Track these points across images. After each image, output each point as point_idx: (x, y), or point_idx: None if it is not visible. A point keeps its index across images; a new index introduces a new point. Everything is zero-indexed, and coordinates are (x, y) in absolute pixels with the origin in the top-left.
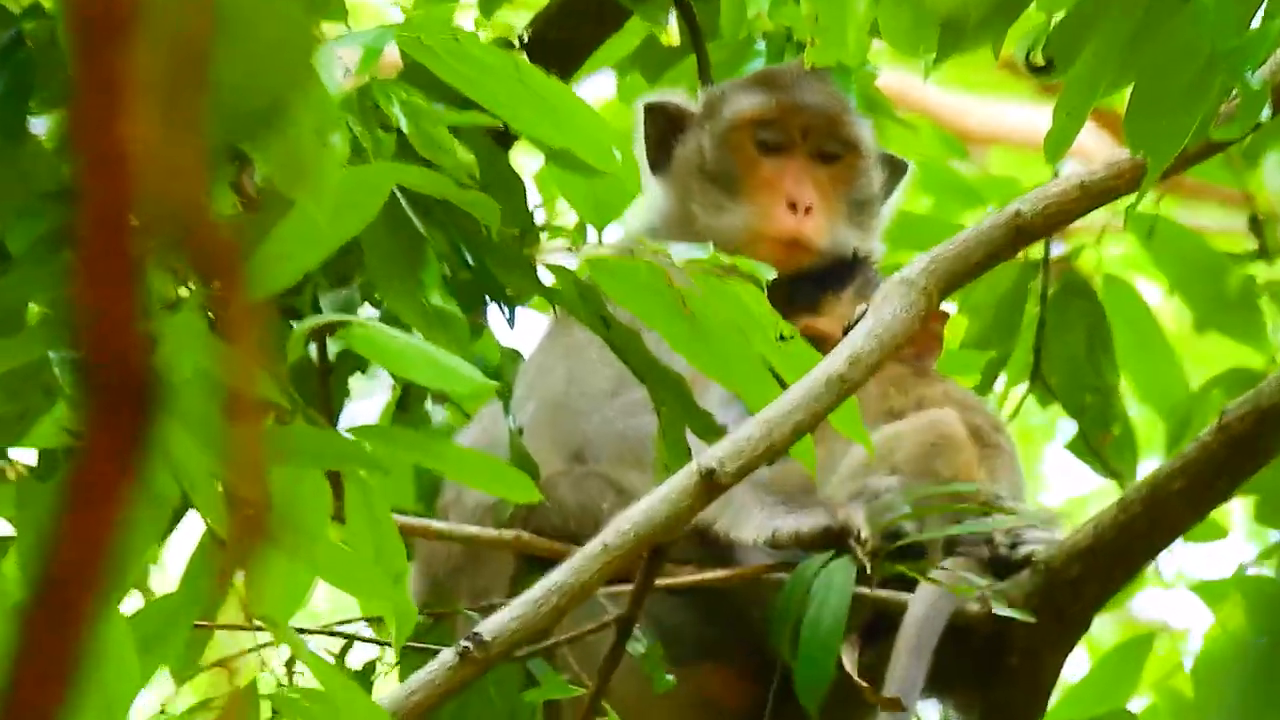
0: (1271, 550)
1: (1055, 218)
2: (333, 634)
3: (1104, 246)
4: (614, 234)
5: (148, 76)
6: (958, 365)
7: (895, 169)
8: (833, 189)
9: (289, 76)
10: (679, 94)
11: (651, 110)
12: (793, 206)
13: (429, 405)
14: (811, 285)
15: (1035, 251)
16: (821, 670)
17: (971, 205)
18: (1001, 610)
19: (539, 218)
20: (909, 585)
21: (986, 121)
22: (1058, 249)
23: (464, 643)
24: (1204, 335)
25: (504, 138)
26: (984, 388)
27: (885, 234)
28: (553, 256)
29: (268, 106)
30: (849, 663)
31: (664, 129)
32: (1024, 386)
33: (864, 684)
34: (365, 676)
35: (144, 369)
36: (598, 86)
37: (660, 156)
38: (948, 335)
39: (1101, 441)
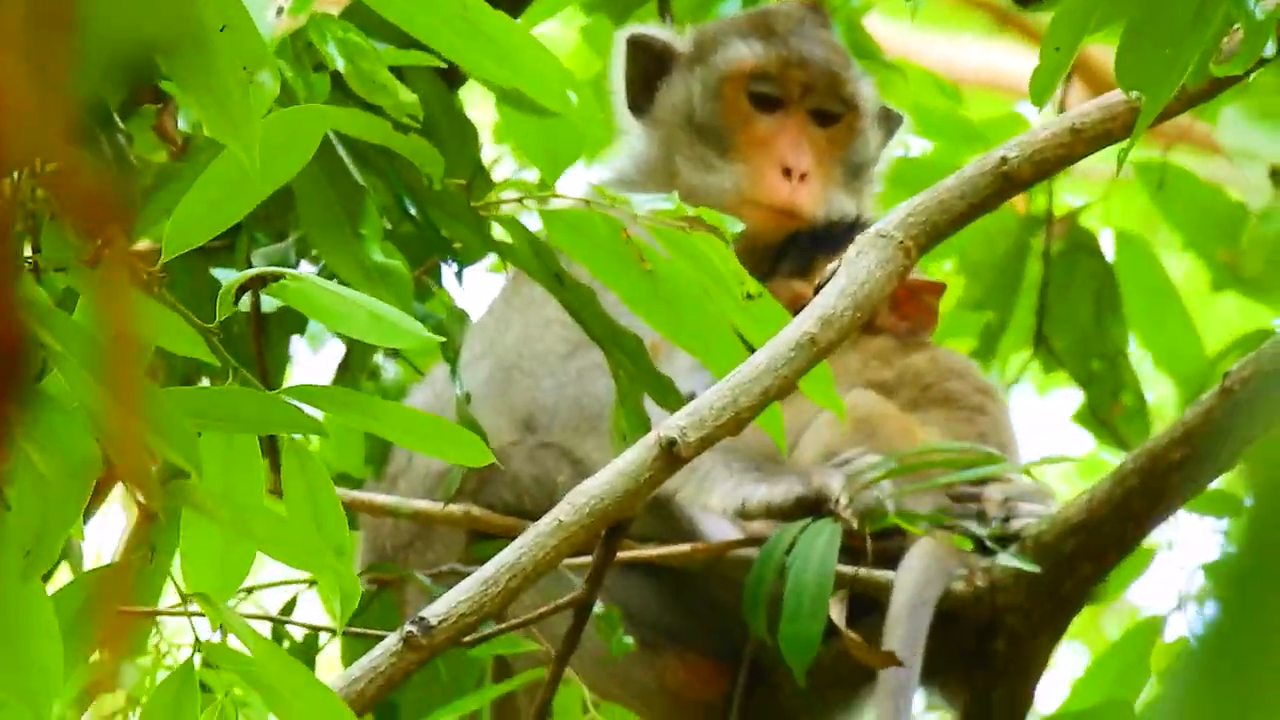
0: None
1: (1045, 164)
2: (270, 619)
3: (1113, 200)
4: (579, 181)
5: (10, 23)
6: (953, 328)
7: (890, 122)
8: (829, 152)
9: (166, 20)
10: (665, 30)
11: (635, 45)
12: (787, 172)
13: (380, 360)
14: (802, 249)
15: (1038, 206)
16: (809, 634)
17: (975, 149)
18: (1005, 560)
19: (504, 172)
20: (890, 564)
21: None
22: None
23: (408, 627)
24: (1221, 296)
25: (452, 77)
26: (983, 353)
27: (884, 180)
28: (505, 208)
29: (143, 52)
30: (839, 618)
31: (647, 67)
32: (1027, 353)
33: (857, 640)
34: (307, 650)
35: (18, 333)
36: (558, 30)
37: (641, 97)
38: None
39: (1110, 411)
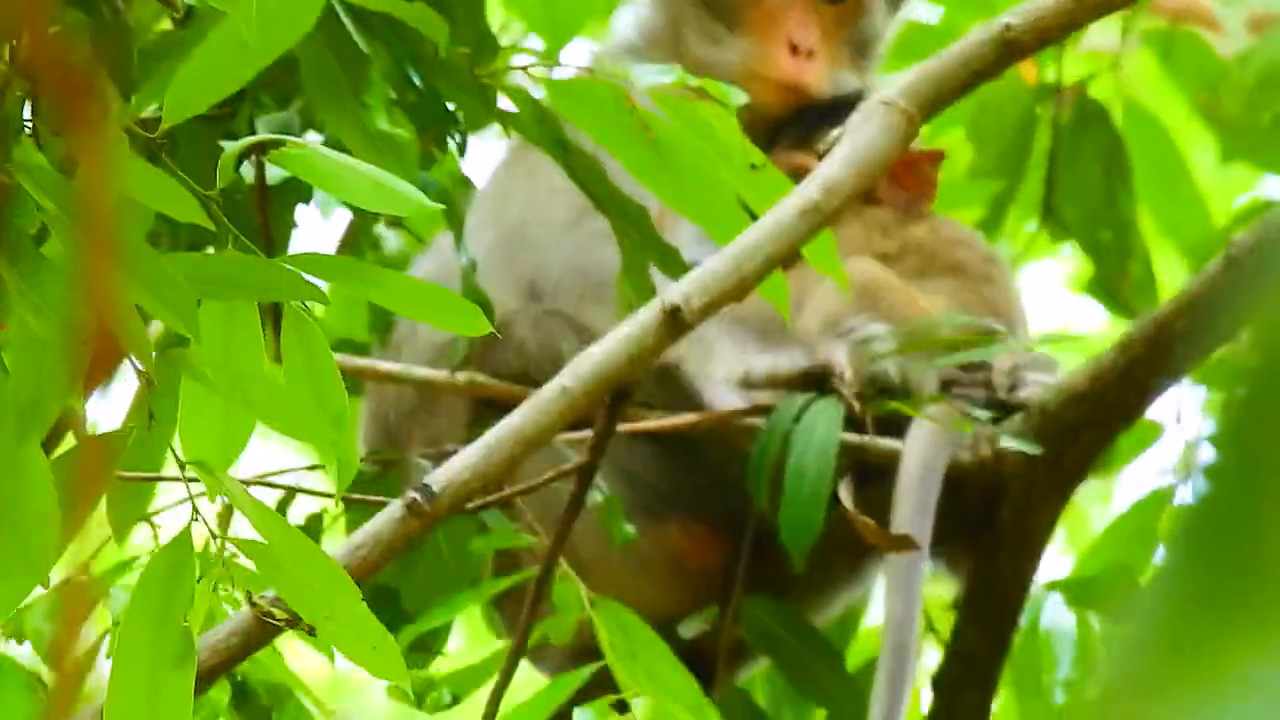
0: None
1: (1049, 31)
2: (270, 485)
3: (1123, 70)
4: (584, 49)
5: None
6: (961, 198)
7: None
8: (837, 30)
9: None
10: None
11: None
12: (794, 49)
13: (381, 230)
14: (805, 122)
15: (1048, 75)
16: (809, 519)
17: (986, 14)
18: (1008, 442)
19: (512, 38)
20: (896, 432)
21: None
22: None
23: (411, 494)
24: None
25: None
26: (991, 222)
27: (892, 48)
28: (510, 76)
29: None
30: (848, 501)
31: None
32: (1035, 224)
33: (868, 523)
34: (311, 532)
35: None
36: None
37: None
38: (944, 171)
39: (1120, 281)
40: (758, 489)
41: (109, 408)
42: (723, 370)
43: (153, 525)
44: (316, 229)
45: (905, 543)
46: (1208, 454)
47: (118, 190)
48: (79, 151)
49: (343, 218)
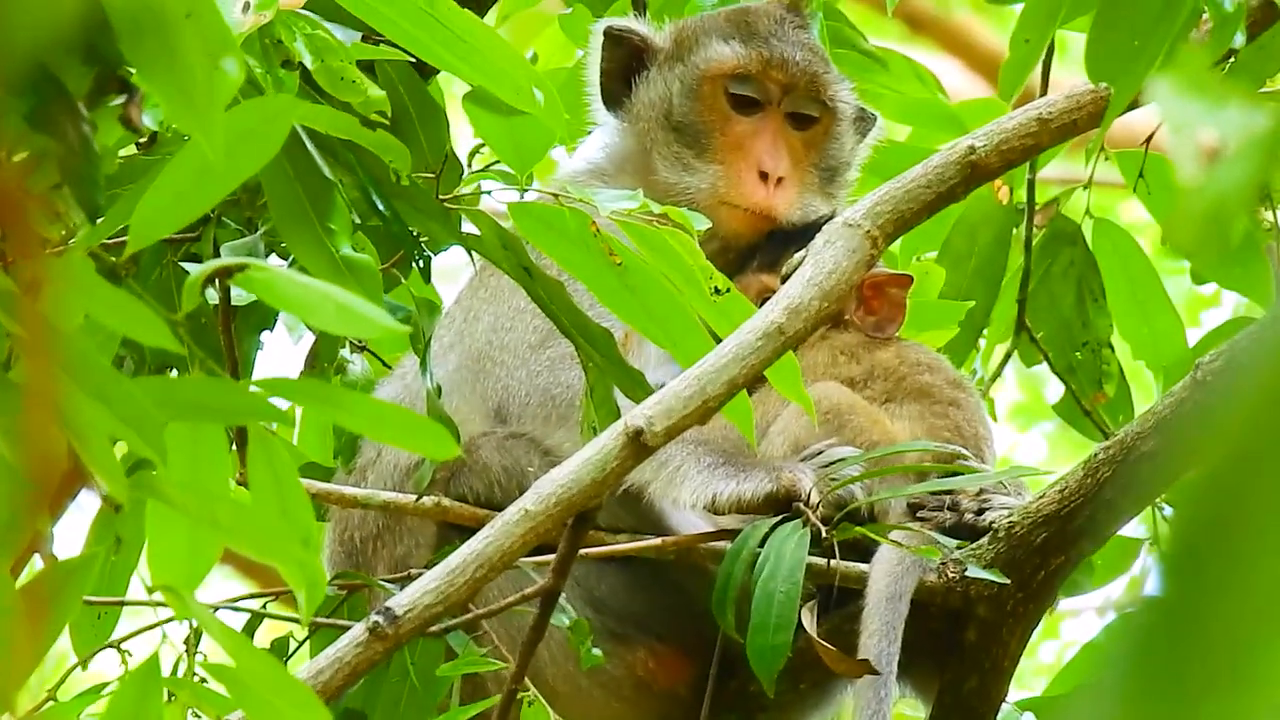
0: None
1: (1012, 153)
2: (237, 609)
3: (1093, 190)
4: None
5: None
6: (935, 318)
7: (864, 123)
8: (805, 155)
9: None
10: (643, 23)
11: (612, 37)
12: (764, 175)
13: (347, 355)
14: (774, 245)
15: (1020, 195)
16: (776, 645)
17: (954, 133)
18: (975, 572)
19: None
20: (862, 555)
21: None
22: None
23: (374, 617)
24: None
25: (425, 66)
26: (964, 342)
27: (864, 165)
28: (473, 202)
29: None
30: (810, 627)
31: (624, 60)
32: (1009, 343)
33: (830, 649)
34: (277, 654)
35: None
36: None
37: (617, 90)
38: (916, 292)
39: (1094, 401)
40: (723, 614)
41: (65, 528)
42: (688, 495)
43: (121, 652)
44: (281, 351)
45: (867, 667)
46: (1153, 576)
47: (77, 316)
48: (34, 279)
49: (306, 340)
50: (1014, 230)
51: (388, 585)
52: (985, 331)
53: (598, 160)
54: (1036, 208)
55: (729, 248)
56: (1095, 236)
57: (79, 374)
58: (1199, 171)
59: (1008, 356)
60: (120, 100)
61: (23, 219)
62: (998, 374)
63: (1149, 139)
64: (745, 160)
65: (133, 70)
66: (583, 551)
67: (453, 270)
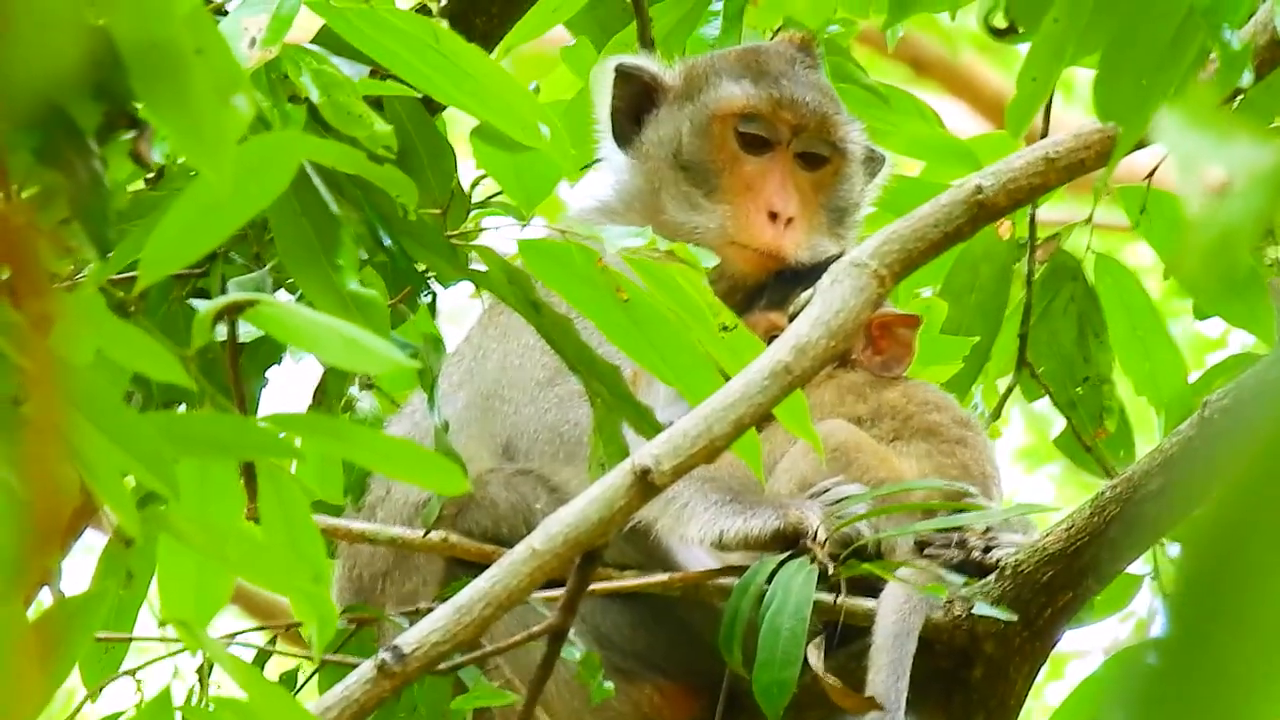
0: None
1: (1019, 192)
2: (245, 645)
3: (1093, 226)
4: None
5: None
6: (938, 353)
7: (873, 164)
8: (814, 196)
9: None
10: (654, 61)
11: (624, 75)
12: (773, 216)
13: (356, 392)
14: (782, 283)
15: (1021, 231)
16: (783, 680)
17: (966, 168)
18: (982, 609)
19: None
20: (869, 592)
21: None
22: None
23: (382, 655)
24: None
25: (432, 101)
26: (967, 378)
27: (875, 201)
28: (480, 238)
29: (146, 49)
30: (816, 663)
31: (634, 98)
32: (1010, 378)
33: (836, 685)
34: (286, 687)
35: None
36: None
37: (627, 127)
38: (921, 334)
39: (1095, 437)
40: (730, 649)
41: (72, 563)
42: (695, 531)
43: (136, 681)
44: (286, 387)
45: (873, 704)
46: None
47: (89, 352)
48: (44, 315)
49: (313, 373)
50: (1015, 265)
51: (397, 620)
52: (986, 367)
53: (606, 198)
54: (1038, 243)
55: (737, 288)
56: (1096, 272)
57: (90, 409)
58: (1205, 206)
59: (1009, 391)
60: (130, 135)
61: (32, 255)
62: (999, 409)
63: (1151, 174)
64: (754, 200)
65: (141, 106)
66: (590, 587)
67: (456, 312)
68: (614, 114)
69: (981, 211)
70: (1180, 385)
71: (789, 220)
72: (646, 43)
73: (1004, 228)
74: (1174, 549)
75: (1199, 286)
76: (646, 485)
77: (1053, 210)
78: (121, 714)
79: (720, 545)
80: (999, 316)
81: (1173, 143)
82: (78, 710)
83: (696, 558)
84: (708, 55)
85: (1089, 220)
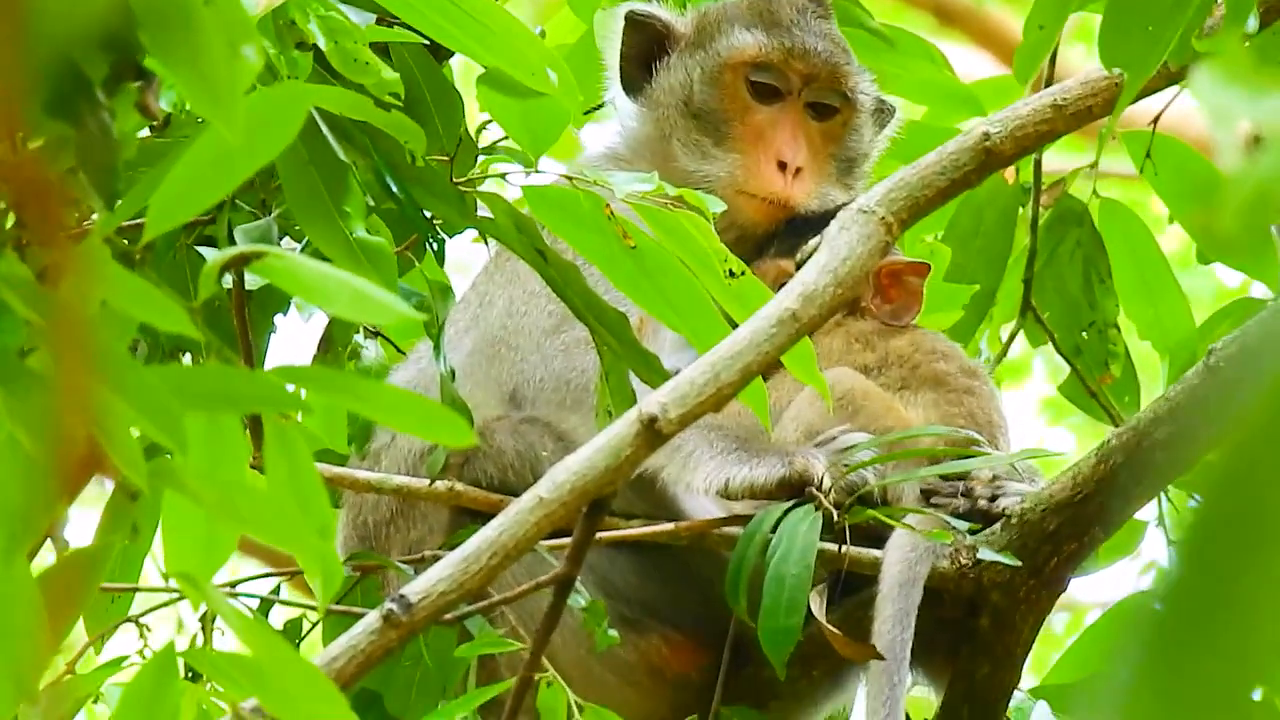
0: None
1: (1027, 140)
2: (250, 595)
3: (1101, 175)
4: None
5: None
6: (940, 300)
7: (883, 115)
8: (824, 146)
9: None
10: (664, 8)
11: (635, 23)
12: (782, 165)
13: (361, 340)
14: (792, 230)
15: (1026, 175)
16: (788, 627)
17: (970, 113)
18: (987, 554)
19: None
20: (875, 541)
21: None
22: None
23: (388, 605)
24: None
25: (439, 49)
26: (970, 324)
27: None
28: (488, 184)
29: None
30: (819, 612)
31: (645, 45)
32: (1014, 324)
33: (838, 634)
34: (290, 637)
35: None
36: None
37: (638, 75)
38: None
39: (1100, 383)
40: (735, 597)
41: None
42: (701, 480)
43: (140, 627)
44: (292, 333)
45: (874, 652)
46: (1171, 564)
47: (97, 302)
48: (56, 265)
49: (319, 321)
50: (1020, 210)
51: (403, 567)
52: (991, 312)
53: (614, 144)
54: (1043, 188)
55: (746, 237)
56: (1102, 217)
57: (98, 362)
58: (1240, 160)
59: (1013, 336)
60: (136, 86)
61: (47, 206)
62: (1003, 354)
63: (1156, 120)
64: (764, 150)
65: (150, 57)
66: (596, 537)
67: (459, 263)
68: (624, 61)
69: (989, 159)
70: (1186, 331)
71: (798, 170)
72: None
73: (1008, 172)
74: (1191, 500)
75: (1233, 243)
76: (653, 434)
77: (1058, 156)
78: (125, 658)
79: (726, 494)
80: (1003, 262)
81: (1206, 97)
82: (83, 652)
83: (703, 506)
84: (720, 3)
85: (1094, 165)
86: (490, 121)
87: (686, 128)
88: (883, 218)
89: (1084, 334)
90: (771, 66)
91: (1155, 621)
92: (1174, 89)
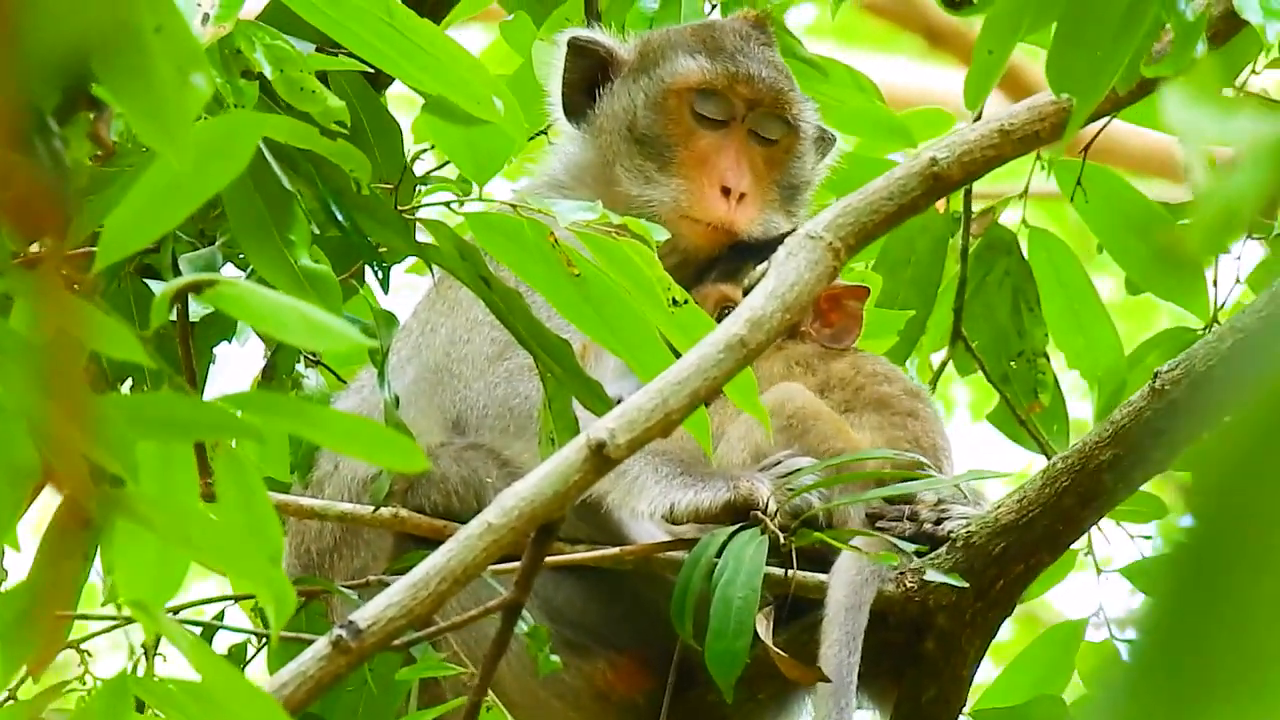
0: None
1: (974, 165)
2: (197, 623)
3: (1028, 200)
4: (508, 185)
5: None
6: (874, 327)
7: (824, 143)
8: (767, 172)
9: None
10: (607, 35)
11: (578, 49)
12: (726, 191)
13: (302, 369)
14: (734, 255)
15: (956, 204)
16: (735, 650)
17: (901, 143)
18: (933, 577)
19: (423, 167)
20: (821, 565)
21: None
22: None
23: (337, 631)
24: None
25: (378, 79)
26: (902, 352)
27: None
28: (431, 211)
29: (79, 56)
30: (765, 635)
31: (589, 71)
32: (945, 352)
33: (784, 656)
34: (235, 661)
35: None
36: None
37: (580, 101)
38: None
39: (1029, 411)
40: (681, 622)
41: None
42: (646, 505)
43: (81, 653)
44: (233, 362)
45: (821, 675)
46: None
47: (40, 331)
48: (42, 289)
49: (256, 348)
50: (950, 239)
51: (347, 592)
52: (921, 340)
53: (554, 171)
54: (973, 216)
55: (688, 262)
56: (1031, 246)
57: (52, 389)
58: (1208, 180)
59: (943, 366)
60: (90, 115)
61: (50, 224)
62: (934, 383)
63: (1087, 147)
64: (708, 175)
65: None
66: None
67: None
68: (565, 87)
69: (937, 184)
70: (1114, 359)
71: (741, 195)
72: (594, 15)
73: (939, 201)
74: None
75: (1201, 261)
76: (602, 459)
77: (988, 184)
78: (68, 682)
79: (671, 518)
80: (934, 290)
81: (1176, 117)
82: (25, 676)
83: (648, 531)
84: (663, 30)
85: (1024, 194)
86: (426, 150)
87: (630, 153)
88: (830, 243)
89: (1012, 363)
90: (716, 92)
91: (1147, 636)
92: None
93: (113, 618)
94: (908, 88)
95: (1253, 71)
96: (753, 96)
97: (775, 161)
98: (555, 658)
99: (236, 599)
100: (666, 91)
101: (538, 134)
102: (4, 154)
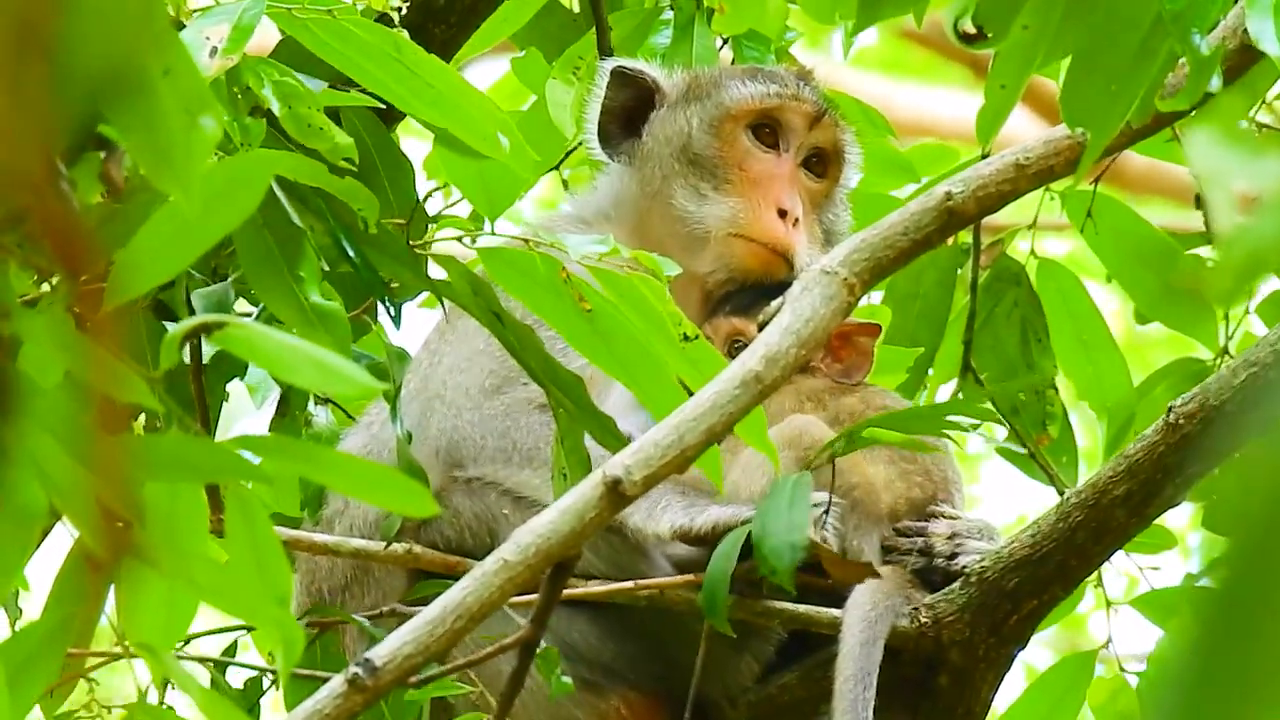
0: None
1: (989, 199)
2: (208, 660)
3: (1039, 231)
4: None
5: None
6: (884, 364)
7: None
8: (813, 209)
9: (136, 38)
10: (653, 65)
11: (622, 78)
12: (782, 214)
13: (311, 407)
14: (745, 290)
15: (965, 236)
16: (792, 540)
17: (903, 180)
18: (947, 612)
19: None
20: (835, 601)
21: (914, 109)
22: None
23: (353, 669)
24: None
25: (389, 114)
26: (912, 386)
27: None
28: (443, 246)
29: (116, 71)
30: (817, 537)
31: (629, 101)
32: (954, 385)
33: (832, 553)
34: (250, 696)
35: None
36: (489, 69)
37: (621, 132)
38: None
39: (1038, 444)
40: (713, 608)
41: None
42: (667, 524)
43: (89, 680)
44: (244, 399)
45: (869, 570)
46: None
47: (49, 373)
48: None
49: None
50: (959, 271)
51: (366, 624)
52: (930, 373)
53: (598, 203)
54: (981, 249)
55: (735, 281)
56: (1039, 277)
57: (59, 431)
58: (1234, 222)
59: (953, 398)
60: (101, 156)
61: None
62: None
63: (1098, 178)
64: (764, 196)
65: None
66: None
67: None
68: (604, 115)
69: (952, 219)
70: (1123, 390)
71: (796, 221)
72: (605, 51)
73: None
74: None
75: (1230, 301)
76: (618, 496)
77: (996, 215)
78: (75, 711)
79: (689, 537)
80: (943, 323)
81: (1200, 158)
82: (33, 704)
83: (662, 567)
84: (712, 67)
85: (1033, 225)
86: (438, 188)
87: (683, 173)
88: (845, 279)
89: (1022, 395)
90: (773, 116)
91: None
92: None
93: (115, 654)
94: (954, 119)
95: (1263, 104)
96: (812, 113)
97: (819, 201)
98: (567, 679)
99: (250, 628)
100: (725, 115)
101: (552, 168)
102: (46, 192)
